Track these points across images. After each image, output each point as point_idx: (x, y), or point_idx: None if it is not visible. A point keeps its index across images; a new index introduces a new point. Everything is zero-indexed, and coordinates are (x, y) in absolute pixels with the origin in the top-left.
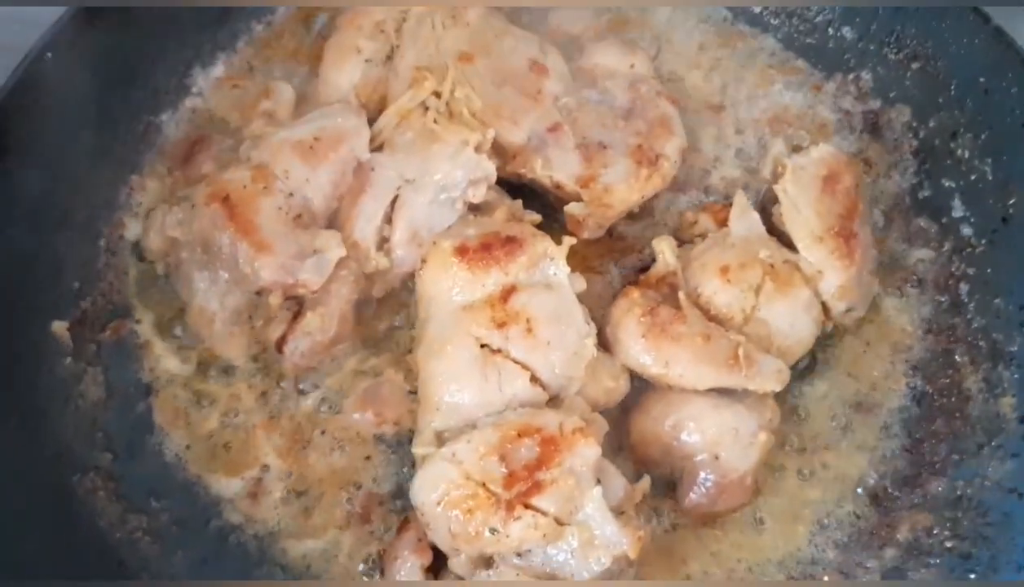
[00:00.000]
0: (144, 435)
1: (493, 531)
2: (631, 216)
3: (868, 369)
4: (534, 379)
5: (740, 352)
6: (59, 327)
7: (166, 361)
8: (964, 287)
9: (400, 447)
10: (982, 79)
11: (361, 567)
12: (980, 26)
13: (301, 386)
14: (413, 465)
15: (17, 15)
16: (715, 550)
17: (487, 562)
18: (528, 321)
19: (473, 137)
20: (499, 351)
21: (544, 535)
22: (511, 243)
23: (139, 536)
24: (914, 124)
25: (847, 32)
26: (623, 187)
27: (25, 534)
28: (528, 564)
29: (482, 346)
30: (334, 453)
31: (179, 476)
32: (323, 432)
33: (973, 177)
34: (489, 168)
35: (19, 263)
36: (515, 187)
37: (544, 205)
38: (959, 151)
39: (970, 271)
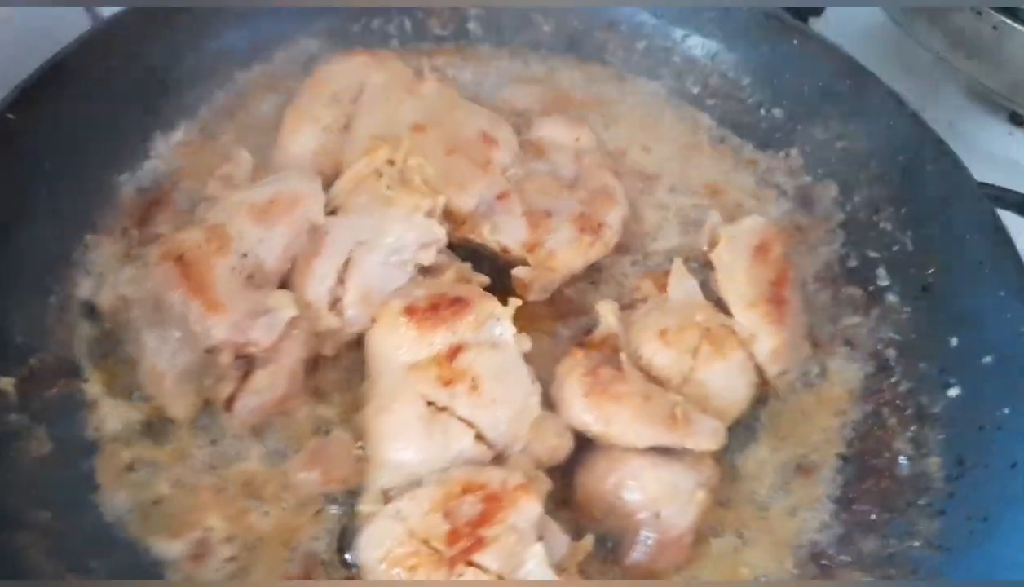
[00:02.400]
0: (86, 493)
1: None
2: (576, 279)
3: (803, 431)
4: (479, 437)
5: (678, 411)
6: (5, 383)
7: (113, 420)
8: (892, 352)
9: (347, 504)
10: (900, 156)
11: None
12: (898, 108)
13: (247, 444)
14: (349, 525)
15: None
16: None
17: None
18: (474, 379)
19: (425, 202)
20: (445, 409)
21: None
22: (458, 303)
23: None
24: (840, 199)
25: (777, 112)
26: (567, 252)
27: None
28: None
29: (428, 404)
30: (278, 512)
31: (120, 536)
32: (268, 491)
33: (895, 248)
34: (439, 232)
35: None
36: (465, 251)
37: (492, 269)
38: (882, 224)
39: (896, 337)
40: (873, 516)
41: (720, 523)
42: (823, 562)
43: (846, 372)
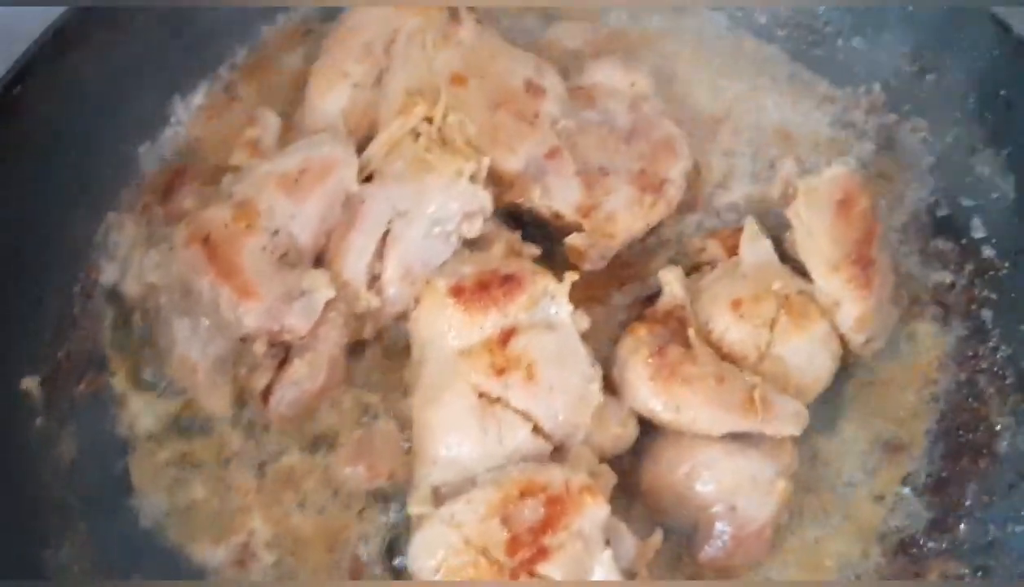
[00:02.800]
0: (121, 498)
1: None
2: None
3: (889, 406)
4: (537, 429)
5: (756, 395)
6: (30, 383)
7: (144, 416)
8: (988, 313)
9: (395, 499)
10: (1003, 92)
11: None
12: (1002, 36)
13: (287, 438)
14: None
15: None
16: None
17: None
18: (529, 366)
19: (468, 166)
20: (499, 400)
21: None
22: (510, 282)
23: None
24: (930, 139)
25: (857, 43)
26: (627, 216)
27: None
28: None
29: (480, 395)
30: (323, 512)
31: (159, 544)
32: (311, 489)
33: (994, 195)
34: (485, 200)
35: None
36: (512, 216)
37: (543, 235)
38: (978, 168)
39: (993, 296)
40: (968, 498)
41: (800, 511)
42: (911, 552)
43: (936, 337)
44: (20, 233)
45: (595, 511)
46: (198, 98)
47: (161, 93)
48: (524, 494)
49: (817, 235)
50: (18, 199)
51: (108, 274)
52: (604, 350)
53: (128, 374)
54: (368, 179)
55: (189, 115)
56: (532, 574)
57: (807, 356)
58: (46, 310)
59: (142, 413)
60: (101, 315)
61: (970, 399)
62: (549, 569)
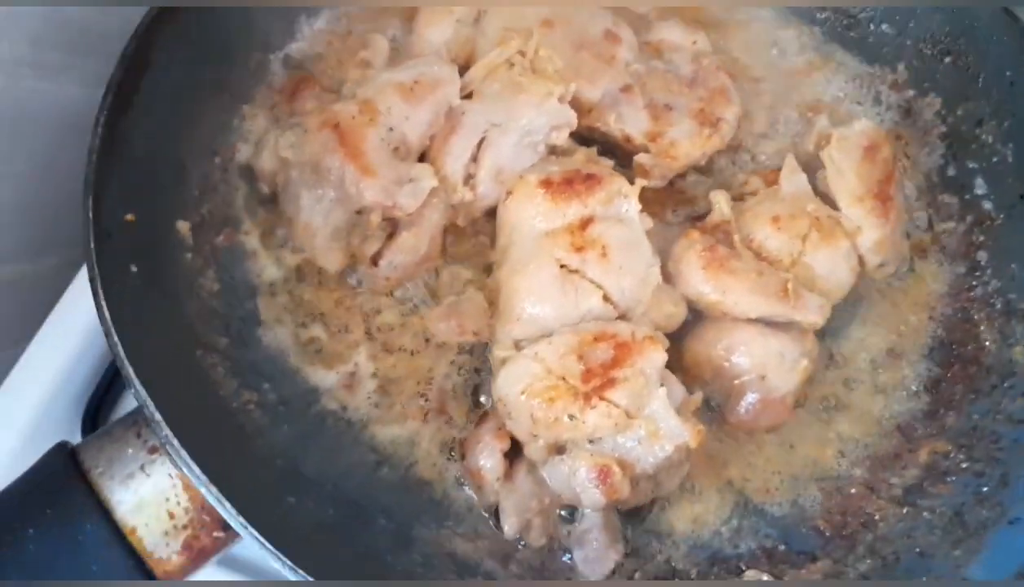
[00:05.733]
0: (253, 327)
1: (571, 418)
2: (688, 171)
3: (895, 321)
4: (606, 298)
5: (790, 286)
6: (183, 226)
7: (270, 269)
8: (983, 255)
9: (473, 355)
10: (1008, 72)
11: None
12: (1010, 25)
13: (389, 298)
14: (479, 370)
15: None
16: (751, 461)
17: (560, 449)
18: (603, 248)
19: (557, 89)
20: (576, 272)
21: (615, 424)
22: (591, 179)
23: (252, 408)
24: (943, 112)
25: (886, 28)
26: (687, 143)
27: (163, 383)
28: (599, 449)
29: (561, 266)
30: (416, 355)
31: (283, 365)
32: (408, 337)
33: (995, 159)
34: (571, 115)
35: (150, 165)
36: (586, 141)
37: (613, 158)
38: (984, 136)
39: (988, 241)
40: (957, 396)
41: (813, 395)
42: (907, 433)
43: (938, 272)
44: (176, 108)
45: (655, 355)
46: (320, 22)
47: (290, 13)
48: (597, 339)
49: (846, 173)
50: (169, 91)
51: (242, 153)
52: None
53: (257, 235)
54: (468, 97)
55: (312, 33)
56: (602, 398)
57: (831, 266)
58: (191, 174)
59: (268, 266)
60: (236, 186)
61: (963, 321)
62: (616, 395)
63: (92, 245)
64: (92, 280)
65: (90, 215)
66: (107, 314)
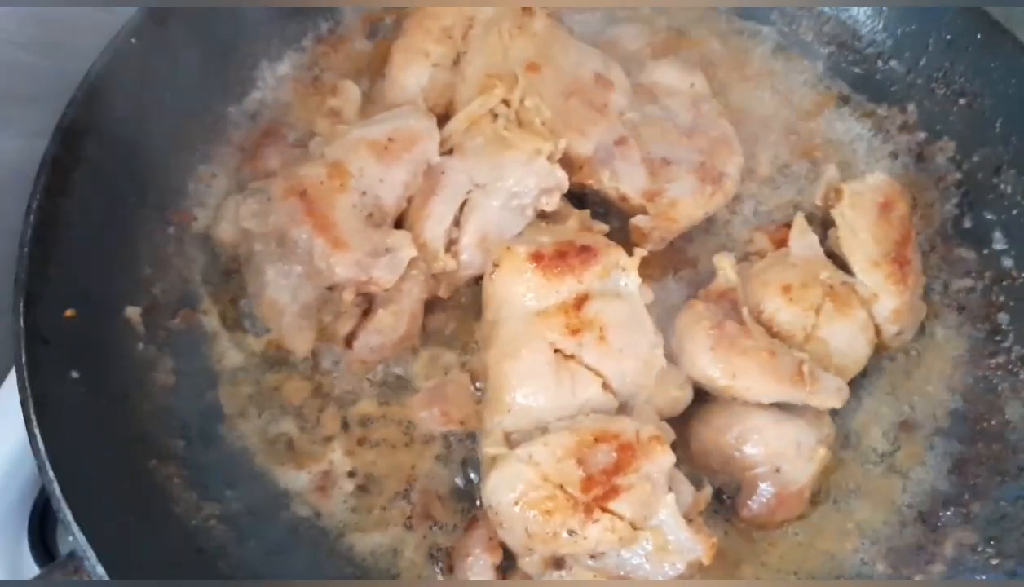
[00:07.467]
0: (214, 423)
1: (571, 533)
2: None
3: (912, 392)
4: (606, 386)
5: (805, 369)
6: (133, 313)
7: (232, 352)
8: (1004, 316)
9: (460, 445)
10: None
11: (427, 563)
12: None
13: (365, 382)
14: (467, 464)
15: None
16: (765, 561)
17: (559, 563)
18: (601, 329)
19: (546, 146)
20: (572, 357)
21: (620, 538)
22: (586, 252)
23: (213, 524)
24: (958, 157)
25: (895, 65)
26: (689, 202)
27: (110, 516)
28: (602, 566)
29: (556, 351)
30: (398, 450)
31: (248, 467)
32: (388, 429)
33: (1015, 211)
34: (562, 177)
35: (94, 244)
36: (578, 198)
37: (606, 215)
38: (1002, 186)
39: (1010, 301)
40: (983, 478)
41: (829, 480)
42: (930, 522)
43: (956, 335)
44: (125, 174)
45: (663, 458)
46: (284, 67)
47: (250, 60)
48: (598, 440)
49: (860, 233)
50: (125, 145)
51: (200, 220)
52: (658, 325)
53: (217, 313)
54: (448, 152)
55: (275, 82)
56: (605, 510)
57: (848, 340)
58: (140, 250)
59: (229, 350)
60: (193, 257)
61: (985, 392)
62: (620, 506)
63: (24, 360)
64: (24, 403)
65: (22, 323)
66: (41, 446)
